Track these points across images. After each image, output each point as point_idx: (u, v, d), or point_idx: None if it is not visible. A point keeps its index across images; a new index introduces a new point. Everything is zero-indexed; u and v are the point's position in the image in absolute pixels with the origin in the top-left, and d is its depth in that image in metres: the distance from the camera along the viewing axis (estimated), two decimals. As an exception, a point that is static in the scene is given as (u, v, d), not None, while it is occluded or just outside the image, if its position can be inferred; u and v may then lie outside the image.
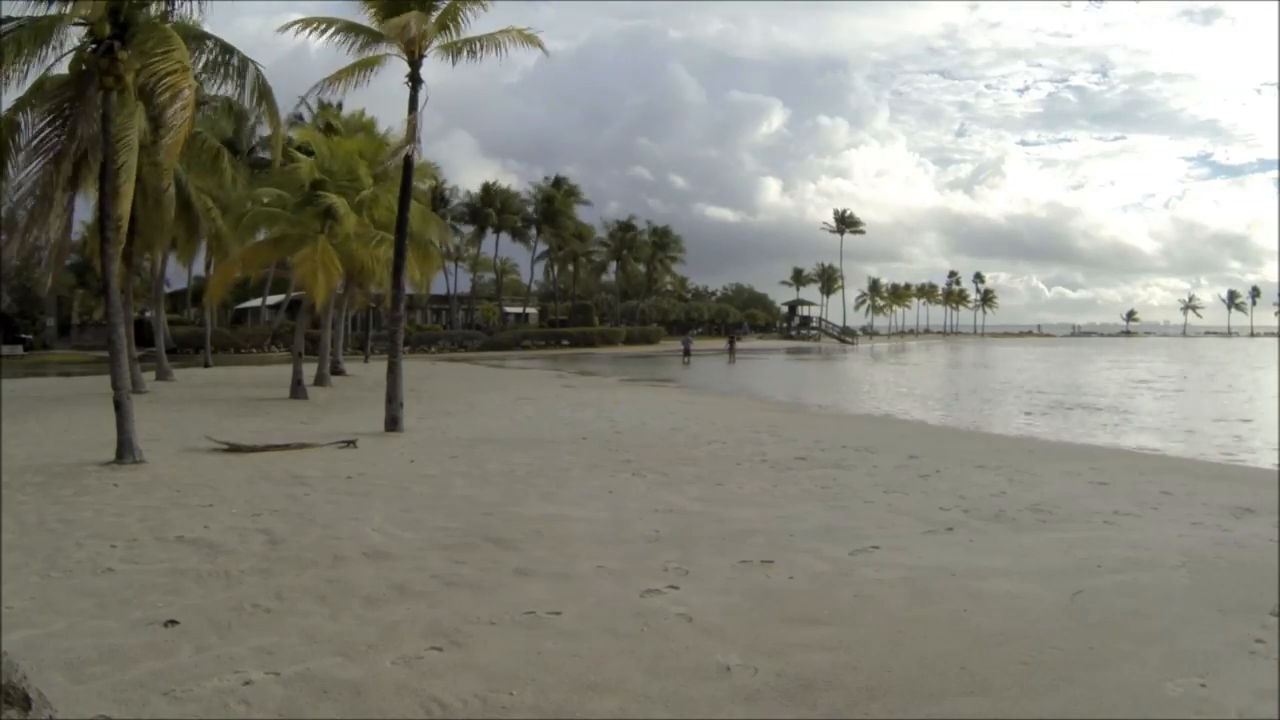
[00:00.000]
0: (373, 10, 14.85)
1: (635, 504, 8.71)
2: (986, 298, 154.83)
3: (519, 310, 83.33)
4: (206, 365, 39.24)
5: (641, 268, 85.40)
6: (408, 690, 4.22)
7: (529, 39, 15.23)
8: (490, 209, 72.85)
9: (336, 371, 31.16)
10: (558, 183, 77.41)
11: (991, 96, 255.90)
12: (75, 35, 11.43)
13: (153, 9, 11.60)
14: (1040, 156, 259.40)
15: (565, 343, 70.45)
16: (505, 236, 76.10)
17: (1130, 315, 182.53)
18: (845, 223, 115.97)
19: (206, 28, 12.90)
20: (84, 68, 11.44)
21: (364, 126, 29.03)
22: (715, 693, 4.22)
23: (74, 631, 4.98)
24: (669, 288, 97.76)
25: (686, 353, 51.75)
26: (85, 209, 21.07)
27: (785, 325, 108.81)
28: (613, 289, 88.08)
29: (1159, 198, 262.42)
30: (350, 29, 14.87)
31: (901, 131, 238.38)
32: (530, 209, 75.80)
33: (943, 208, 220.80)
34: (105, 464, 11.00)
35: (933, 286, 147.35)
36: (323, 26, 14.81)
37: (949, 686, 4.30)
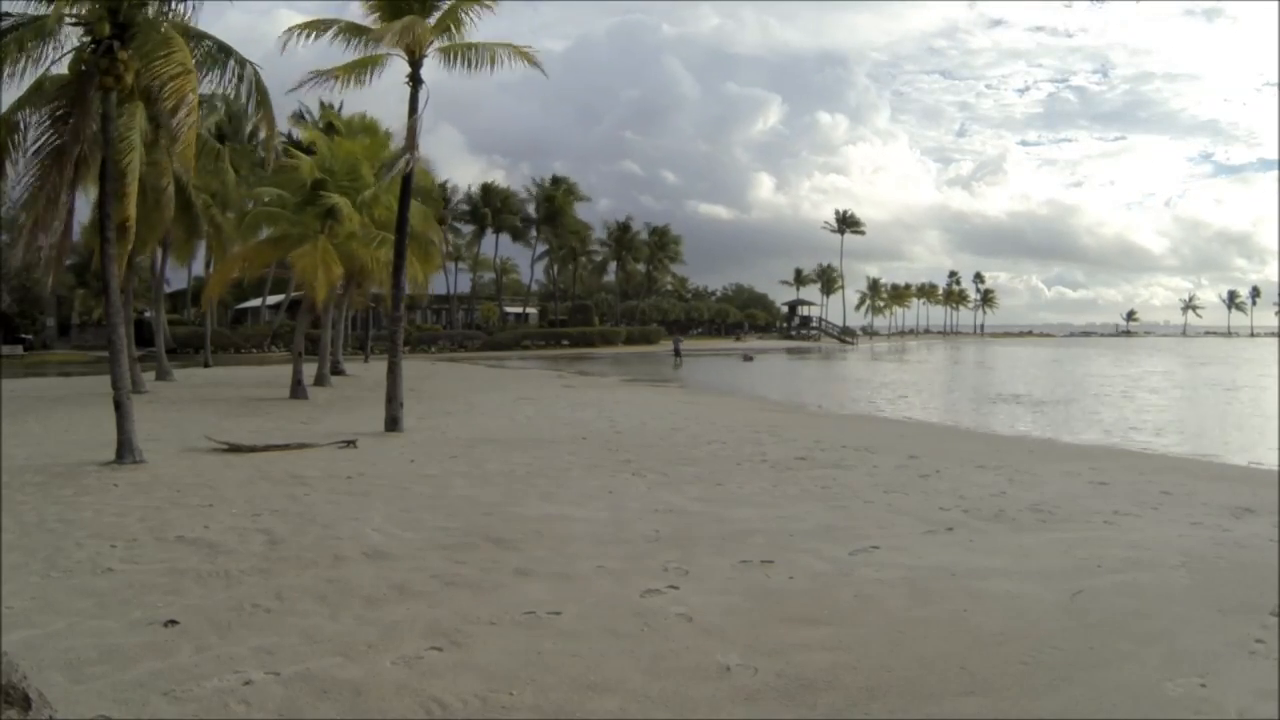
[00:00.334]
0: (375, 13, 14.83)
1: (635, 504, 8.71)
2: (986, 298, 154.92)
3: (519, 310, 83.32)
4: (206, 365, 39.26)
5: (641, 268, 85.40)
6: (408, 690, 4.22)
7: (523, 55, 15.27)
8: (489, 209, 72.84)
9: (336, 371, 31.17)
10: (557, 181, 77.41)
11: (992, 97, 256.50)
12: (75, 35, 11.43)
13: (151, 10, 11.59)
14: (1041, 156, 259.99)
15: (565, 343, 70.46)
16: (505, 236, 76.19)
17: (1130, 315, 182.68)
18: (846, 223, 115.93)
19: (202, 26, 12.87)
20: (83, 68, 11.43)
21: (367, 128, 28.98)
22: (715, 693, 4.22)
23: (74, 631, 4.98)
24: (669, 288, 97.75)
25: (677, 353, 51.78)
26: (84, 209, 21.05)
27: (785, 325, 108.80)
28: (613, 289, 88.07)
29: (1161, 196, 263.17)
30: (351, 30, 14.86)
31: (902, 130, 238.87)
32: (530, 208, 75.83)
33: (945, 206, 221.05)
34: (105, 464, 11.00)
35: (933, 286, 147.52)
36: (324, 29, 14.78)
37: (949, 686, 4.30)
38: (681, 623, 5.18)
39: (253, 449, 12.36)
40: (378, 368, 27.79)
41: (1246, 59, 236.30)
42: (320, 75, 14.68)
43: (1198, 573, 6.24)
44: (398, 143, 21.11)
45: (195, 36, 12.22)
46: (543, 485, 9.78)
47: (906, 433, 16.11)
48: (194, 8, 11.73)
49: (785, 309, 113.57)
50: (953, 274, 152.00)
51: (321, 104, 46.47)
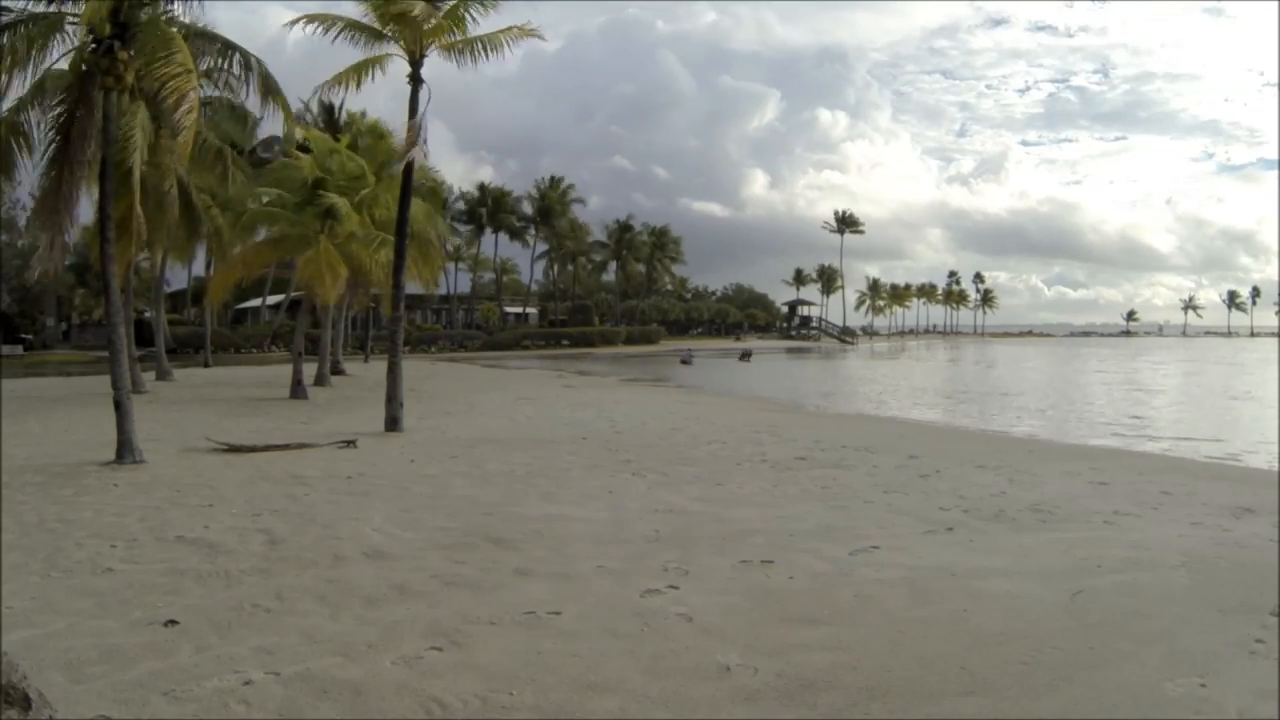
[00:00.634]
0: (374, 11, 14.82)
1: (635, 504, 8.71)
2: (986, 298, 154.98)
3: (519, 310, 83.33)
4: (206, 365, 39.26)
5: (641, 268, 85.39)
6: (408, 690, 4.22)
7: (530, 34, 15.20)
8: (483, 208, 72.81)
9: (336, 371, 31.17)
10: (554, 182, 77.40)
11: (992, 97, 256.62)
12: (75, 35, 11.43)
13: (150, 10, 11.59)
14: (1042, 156, 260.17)
15: (565, 343, 70.46)
16: (504, 236, 76.18)
17: (1130, 315, 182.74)
18: (845, 223, 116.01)
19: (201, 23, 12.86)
20: (85, 68, 11.44)
21: (371, 129, 28.96)
22: (715, 693, 4.22)
23: (74, 631, 4.98)
24: (669, 288, 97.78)
25: (685, 363, 51.81)
26: (86, 210, 21.03)
27: (785, 325, 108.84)
28: (612, 289, 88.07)
29: (1164, 195, 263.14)
30: (353, 27, 14.85)
31: (903, 129, 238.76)
32: (526, 208, 75.85)
33: (948, 204, 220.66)
34: (105, 464, 11.00)
35: (932, 287, 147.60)
36: (326, 24, 14.79)
37: (949, 686, 4.30)
38: (681, 623, 5.18)
39: (253, 449, 12.36)
40: (378, 368, 27.79)
41: (1247, 59, 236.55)
42: (330, 83, 14.75)
43: (1198, 573, 6.24)
44: (397, 143, 21.08)
45: (200, 36, 12.23)
46: (543, 485, 9.78)
47: (906, 433, 16.11)
48: (196, 7, 11.74)
49: (785, 309, 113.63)
50: (952, 274, 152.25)
51: (321, 103, 46.43)
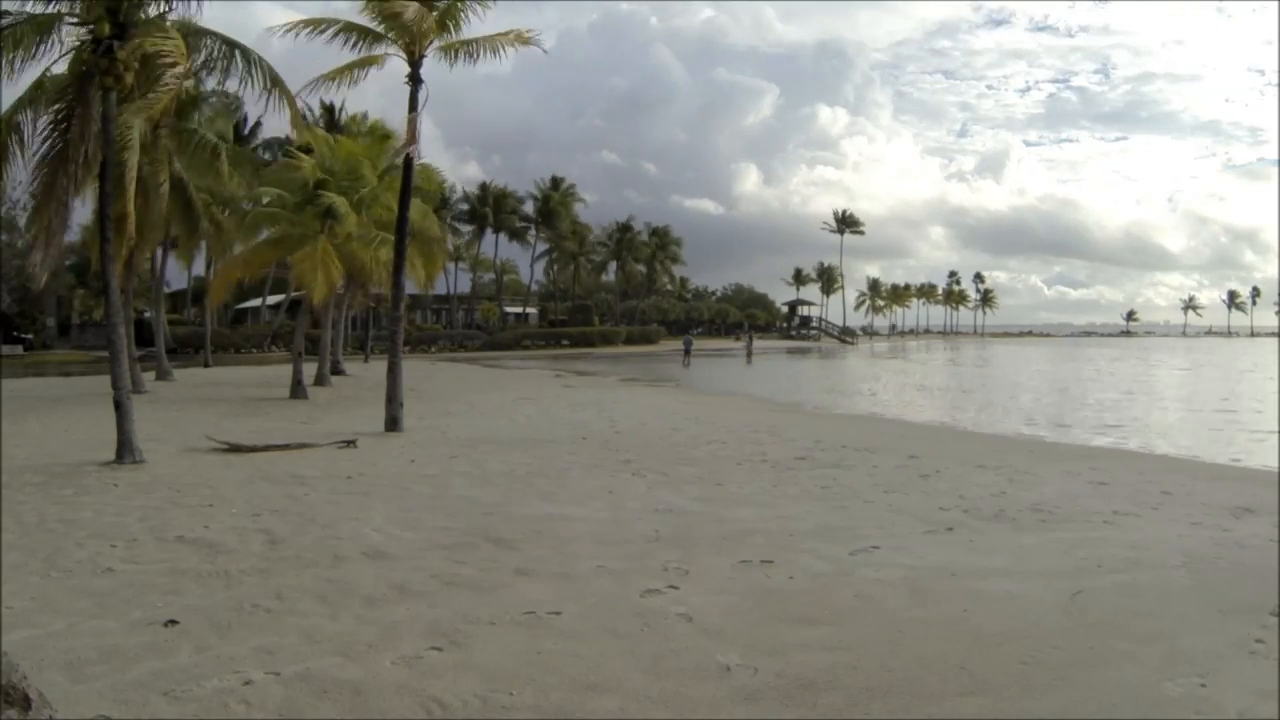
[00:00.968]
0: (371, 10, 14.81)
1: (635, 504, 8.71)
2: (986, 298, 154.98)
3: (519, 310, 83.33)
4: (206, 365, 39.26)
5: (641, 268, 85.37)
6: (408, 690, 4.22)
7: (528, 41, 15.22)
8: (486, 208, 72.81)
9: (336, 371, 31.17)
10: (555, 183, 77.41)
11: (993, 97, 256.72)
12: (74, 35, 11.43)
13: (151, 9, 11.59)
14: (1043, 156, 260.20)
15: (565, 343, 70.45)
16: (504, 236, 76.15)
17: (1130, 315, 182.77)
18: (845, 223, 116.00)
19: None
20: (83, 68, 11.43)
21: (371, 129, 29.00)
22: (715, 693, 4.22)
23: (74, 631, 4.98)
24: (669, 288, 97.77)
25: (687, 353, 51.64)
26: (86, 209, 21.10)
27: (785, 325, 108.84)
28: (613, 289, 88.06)
29: (1167, 194, 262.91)
30: (350, 28, 14.85)
31: (903, 128, 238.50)
32: (527, 208, 75.85)
33: (950, 202, 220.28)
34: (105, 464, 11.00)
35: (932, 287, 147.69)
36: (320, 27, 14.77)
37: (949, 686, 4.30)
38: (681, 623, 5.18)
39: (253, 449, 12.36)
40: (378, 368, 27.79)
41: (1248, 59, 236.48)
42: (324, 79, 14.70)
43: (1198, 573, 6.24)
44: (397, 142, 21.09)
45: (197, 34, 12.22)
46: (543, 485, 9.78)
47: (906, 433, 16.10)
48: (193, 7, 11.73)
49: (785, 309, 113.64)
50: (952, 274, 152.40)
51: (322, 103, 46.52)
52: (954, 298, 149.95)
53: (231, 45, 12.31)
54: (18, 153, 11.93)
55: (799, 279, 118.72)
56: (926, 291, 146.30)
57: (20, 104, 11.97)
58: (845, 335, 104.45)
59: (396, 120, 15.07)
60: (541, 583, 5.97)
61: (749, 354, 53.49)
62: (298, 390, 22.36)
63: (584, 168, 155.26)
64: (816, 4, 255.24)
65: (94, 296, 56.52)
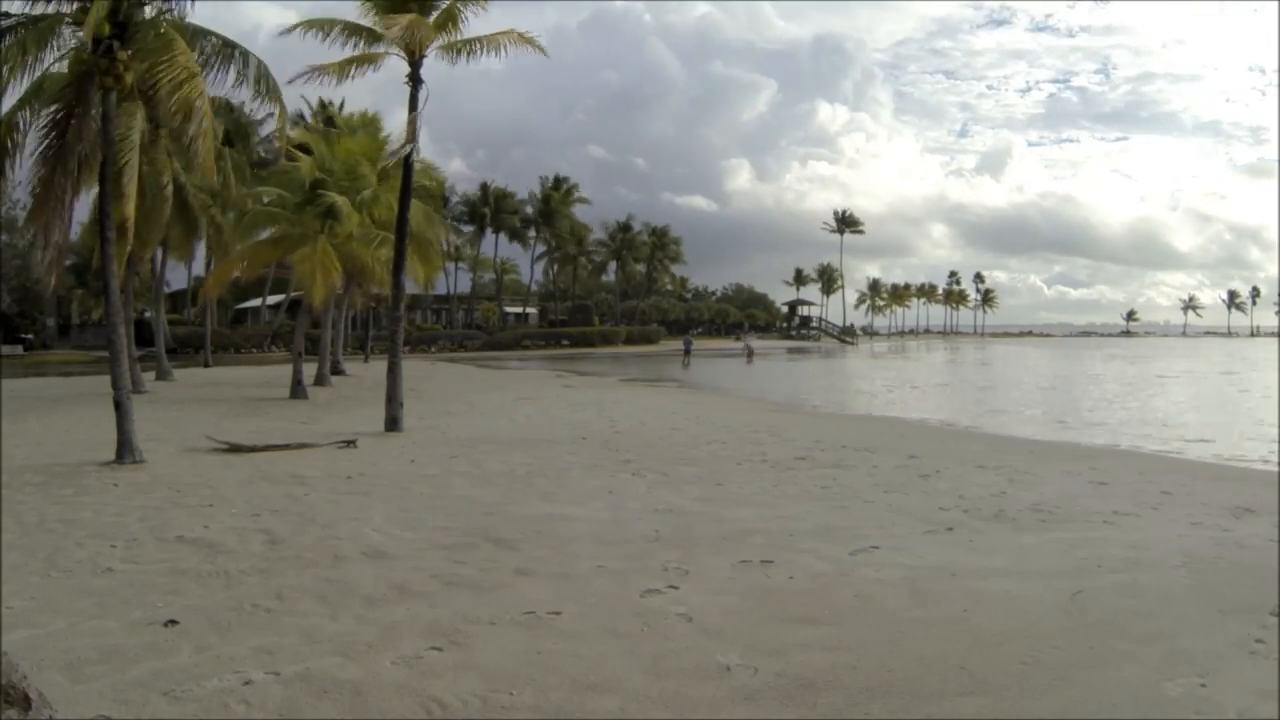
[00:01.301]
0: (373, 11, 14.82)
1: (635, 504, 8.70)
2: (986, 298, 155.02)
3: (519, 310, 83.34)
4: (206, 365, 39.27)
5: (641, 268, 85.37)
6: (408, 690, 4.22)
7: (528, 41, 15.22)
8: (486, 208, 72.83)
9: (336, 371, 31.17)
10: (557, 183, 77.41)
11: (993, 97, 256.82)
12: (74, 35, 11.43)
13: (149, 10, 11.58)
14: (1044, 156, 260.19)
15: (565, 343, 70.46)
16: (504, 236, 76.15)
17: (1130, 315, 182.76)
18: (845, 223, 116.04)
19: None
20: (83, 68, 11.43)
21: (365, 124, 29.00)
22: (715, 693, 4.22)
23: (74, 631, 4.98)
24: (669, 288, 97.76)
25: (687, 353, 51.62)
26: (84, 209, 21.10)
27: (785, 325, 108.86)
28: (612, 289, 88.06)
29: (1171, 192, 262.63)
30: (351, 30, 14.85)
31: (904, 127, 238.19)
32: (528, 209, 75.82)
33: (953, 200, 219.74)
34: (105, 464, 11.00)
35: (932, 287, 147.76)
36: (324, 29, 14.77)
37: (949, 686, 4.30)
38: (681, 623, 5.18)
39: (253, 449, 12.36)
40: (378, 368, 27.79)
41: (1249, 59, 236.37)
42: (317, 70, 14.64)
43: (1198, 573, 6.24)
44: (396, 141, 21.07)
45: (198, 34, 12.22)
46: (543, 485, 9.78)
47: (906, 433, 16.10)
48: (193, 7, 11.73)
49: (785, 309, 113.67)
50: (953, 274, 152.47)
51: (322, 101, 46.53)
52: (954, 298, 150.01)
53: (231, 46, 12.32)
54: (17, 153, 11.93)
55: (799, 279, 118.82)
56: (927, 291, 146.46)
57: (20, 104, 11.98)
58: (845, 335, 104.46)
59: (389, 116, 15.16)
60: (541, 583, 5.97)
61: (749, 355, 53.43)
62: (298, 390, 22.36)
63: (573, 164, 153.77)
64: (817, 3, 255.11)
65: (94, 296, 56.51)
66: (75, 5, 11.14)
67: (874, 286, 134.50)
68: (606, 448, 12.93)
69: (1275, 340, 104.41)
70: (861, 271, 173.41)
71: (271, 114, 13.88)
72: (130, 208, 14.01)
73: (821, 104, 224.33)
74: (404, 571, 6.22)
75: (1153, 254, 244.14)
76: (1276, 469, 11.99)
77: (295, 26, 14.77)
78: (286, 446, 12.66)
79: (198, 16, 12.03)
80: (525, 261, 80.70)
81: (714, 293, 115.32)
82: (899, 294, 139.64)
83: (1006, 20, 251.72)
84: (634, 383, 33.10)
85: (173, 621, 5.12)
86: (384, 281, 24.64)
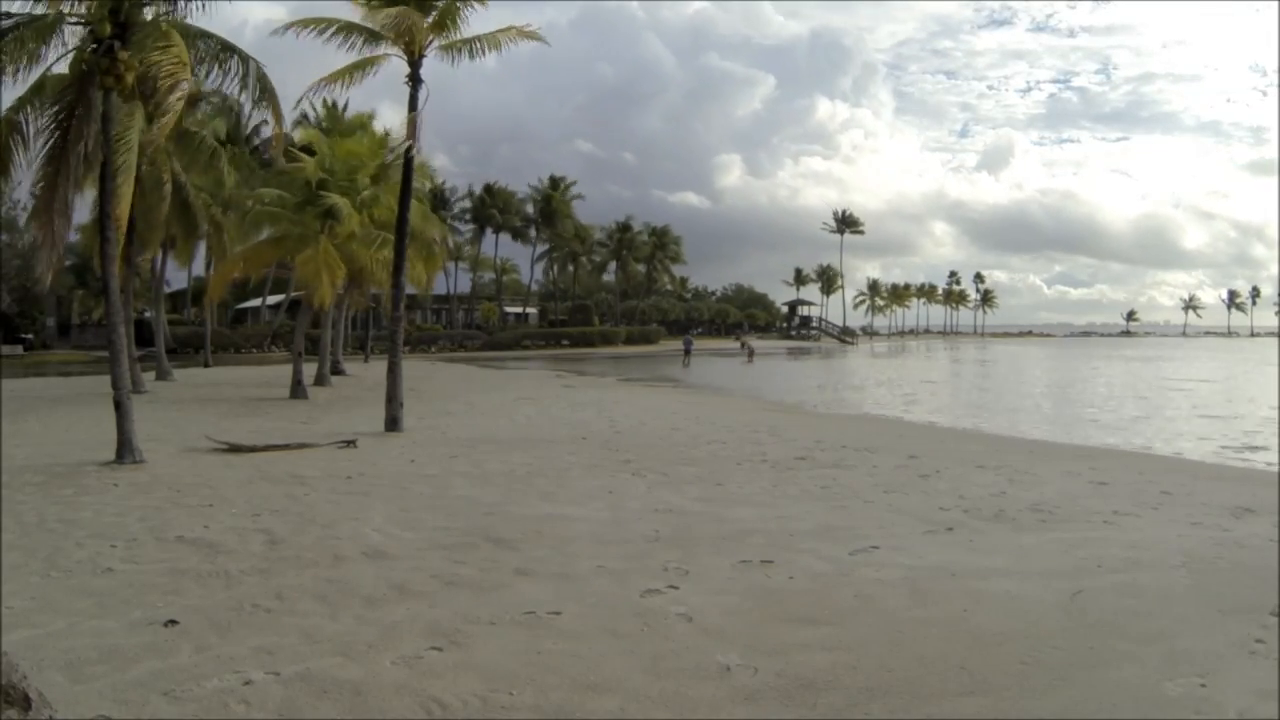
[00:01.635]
0: (365, 7, 14.79)
1: (635, 504, 8.70)
2: (986, 298, 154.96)
3: (519, 310, 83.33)
4: (206, 365, 39.27)
5: (641, 268, 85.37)
6: (408, 690, 4.22)
7: (530, 35, 15.19)
8: (490, 209, 72.81)
9: (336, 371, 31.18)
10: (555, 183, 77.39)
11: (994, 97, 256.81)
12: (75, 35, 11.44)
13: (150, 11, 11.59)
14: (1044, 157, 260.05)
15: (565, 343, 70.46)
16: (505, 236, 76.18)
17: (1130, 315, 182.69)
18: (845, 223, 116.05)
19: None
20: (84, 68, 11.44)
21: (363, 124, 28.99)
22: (715, 693, 4.22)
23: (74, 631, 4.98)
24: (669, 288, 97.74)
25: (687, 353, 51.61)
26: (85, 210, 21.11)
27: (785, 325, 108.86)
28: (612, 289, 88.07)
29: (1174, 190, 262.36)
30: (348, 29, 14.83)
31: (905, 126, 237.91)
32: (529, 208, 75.82)
33: (955, 198, 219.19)
34: (105, 464, 11.00)
35: (932, 287, 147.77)
36: (320, 28, 14.75)
37: (949, 686, 4.30)
38: (681, 623, 5.18)
39: (253, 449, 12.36)
40: (378, 368, 27.79)
41: (1249, 59, 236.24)
42: (325, 81, 14.69)
43: (1198, 573, 6.24)
44: (394, 139, 21.06)
45: (196, 36, 12.23)
46: (543, 485, 9.78)
47: (906, 433, 16.11)
48: (200, 8, 11.73)
49: (785, 309, 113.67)
50: (953, 274, 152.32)
51: (326, 102, 46.49)
52: (954, 298, 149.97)
53: (230, 49, 12.32)
54: (18, 152, 11.94)
55: (799, 279, 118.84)
56: (926, 292, 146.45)
57: (21, 103, 11.98)
58: (845, 335, 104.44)
59: (380, 113, 15.15)
60: (541, 583, 5.97)
61: (750, 354, 53.45)
62: (298, 390, 22.36)
63: (562, 160, 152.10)
64: (818, 3, 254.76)
65: (94, 296, 56.49)
66: (79, 3, 11.14)
67: (874, 287, 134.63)
68: (606, 448, 12.93)
69: (1276, 340, 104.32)
70: (862, 271, 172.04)
71: (268, 119, 13.88)
72: (125, 206, 13.99)
73: (821, 100, 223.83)
74: (404, 571, 6.22)
75: (1158, 252, 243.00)
76: (1276, 469, 11.99)
77: (291, 25, 14.76)
78: (286, 446, 12.66)
79: (190, 16, 12.04)
80: (525, 261, 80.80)
81: (714, 293, 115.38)
82: (899, 294, 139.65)
83: (1007, 20, 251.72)
84: (634, 383, 33.10)
85: (173, 621, 5.12)
86: (384, 282, 24.65)
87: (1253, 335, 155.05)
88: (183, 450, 12.42)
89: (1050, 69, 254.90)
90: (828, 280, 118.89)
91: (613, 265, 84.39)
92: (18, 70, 11.10)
